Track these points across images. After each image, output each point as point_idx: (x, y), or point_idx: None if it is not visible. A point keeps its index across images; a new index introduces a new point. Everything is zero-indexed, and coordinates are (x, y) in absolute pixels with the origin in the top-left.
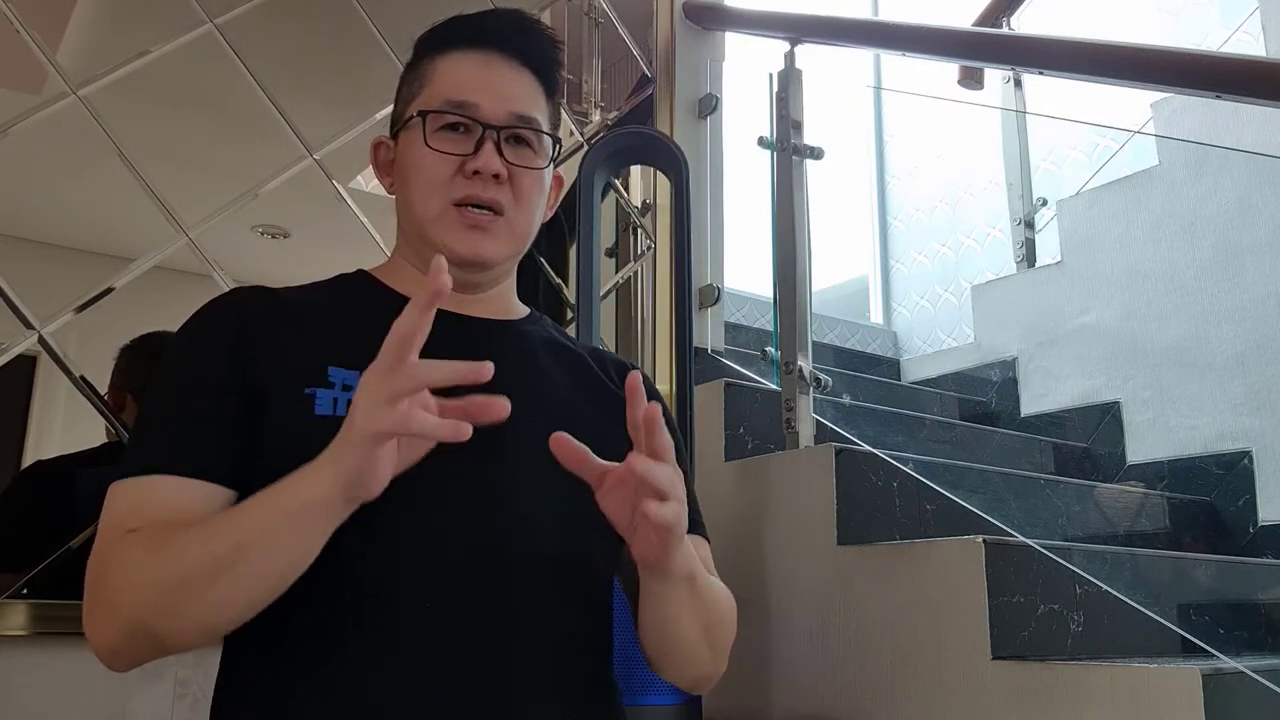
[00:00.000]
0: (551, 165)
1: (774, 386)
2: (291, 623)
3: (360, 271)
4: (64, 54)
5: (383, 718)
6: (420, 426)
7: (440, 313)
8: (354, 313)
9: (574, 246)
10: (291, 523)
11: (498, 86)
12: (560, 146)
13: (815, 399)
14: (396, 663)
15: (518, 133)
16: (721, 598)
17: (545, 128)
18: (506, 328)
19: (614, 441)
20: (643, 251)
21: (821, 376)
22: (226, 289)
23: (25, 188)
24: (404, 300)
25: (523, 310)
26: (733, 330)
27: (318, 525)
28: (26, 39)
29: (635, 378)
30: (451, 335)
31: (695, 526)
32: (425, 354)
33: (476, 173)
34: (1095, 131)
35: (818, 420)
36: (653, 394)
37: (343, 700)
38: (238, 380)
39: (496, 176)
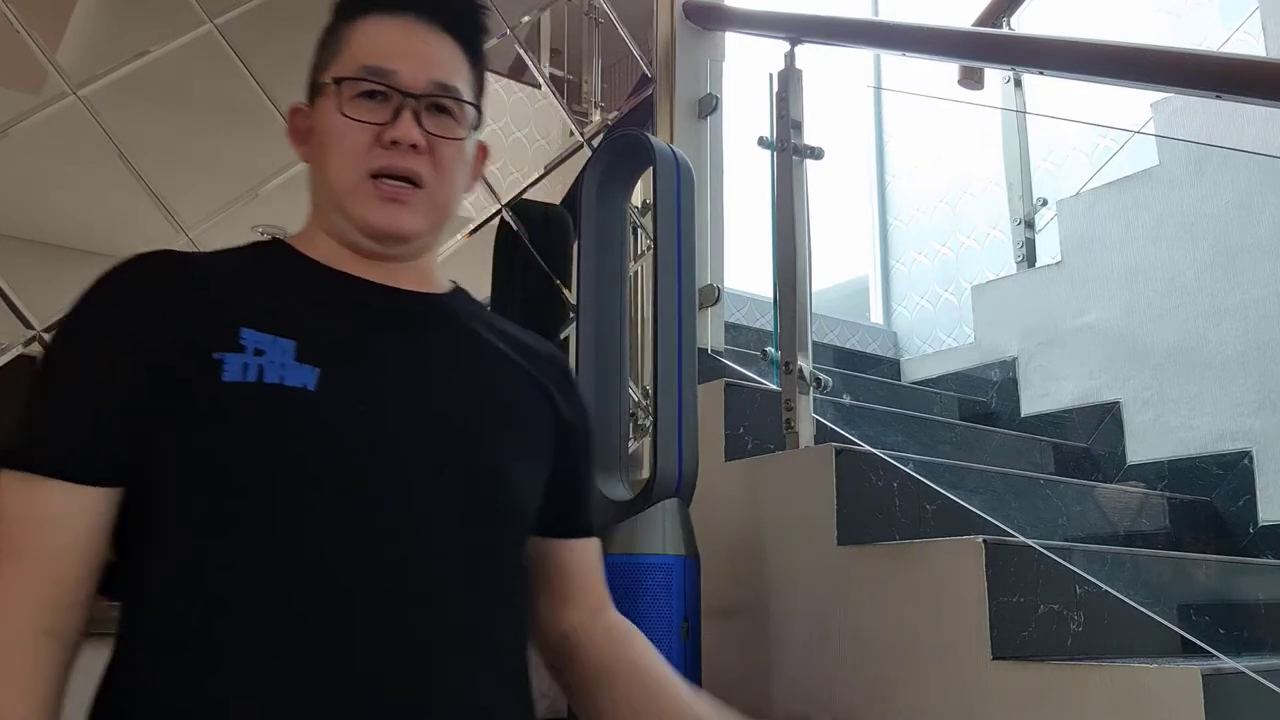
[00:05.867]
0: (474, 134)
1: (774, 386)
2: (206, 614)
3: (276, 239)
4: (64, 54)
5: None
6: None
7: (368, 283)
8: (270, 276)
9: (576, 250)
10: None
11: (418, 53)
12: (483, 116)
13: (815, 399)
14: (313, 642)
15: (438, 101)
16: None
17: (467, 96)
18: (431, 300)
19: (530, 421)
20: (643, 251)
21: (821, 376)
22: None
23: (25, 188)
24: (323, 268)
25: (446, 284)
26: (733, 330)
27: None
28: (26, 39)
29: None
30: (381, 305)
31: (590, 528)
32: (357, 323)
33: (394, 143)
34: (1095, 131)
35: (818, 420)
36: (573, 386)
37: (259, 683)
38: (136, 355)
39: (415, 147)
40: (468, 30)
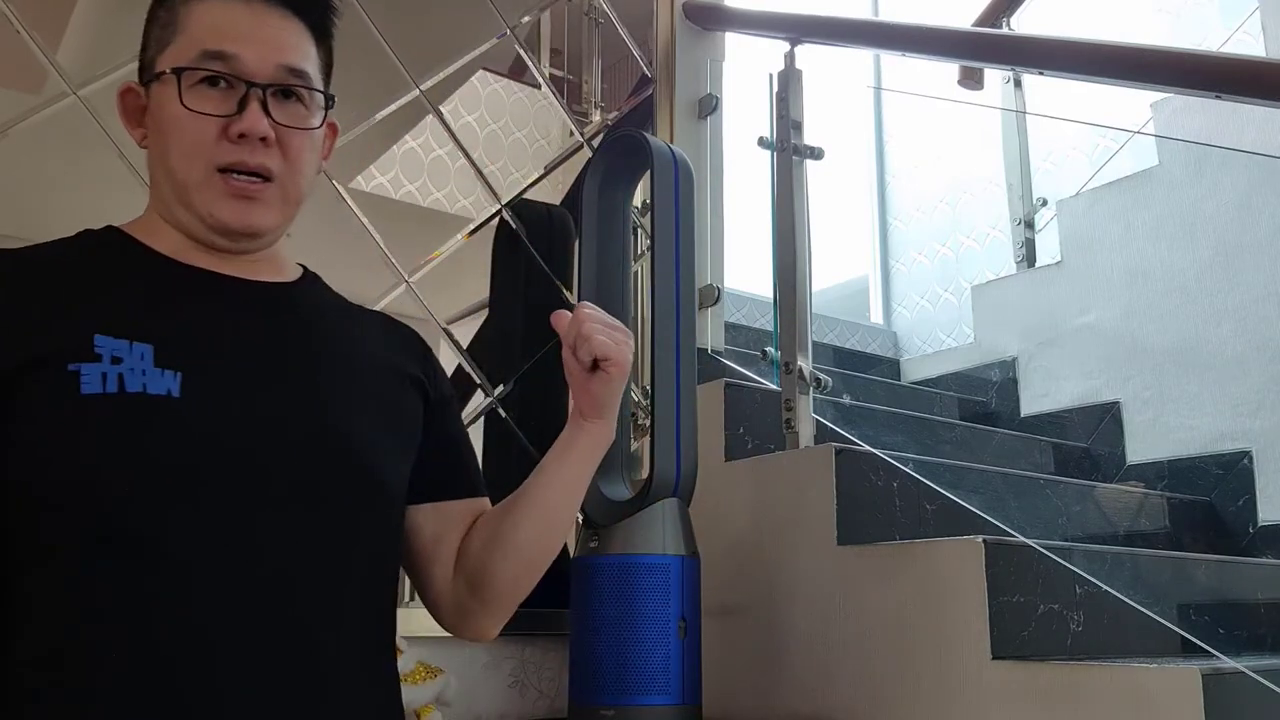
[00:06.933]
0: (324, 121)
1: (774, 386)
2: (83, 630)
3: (110, 228)
4: (64, 54)
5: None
6: None
7: (220, 276)
8: (116, 273)
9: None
10: None
11: (261, 35)
12: (333, 103)
13: (815, 399)
14: (209, 660)
15: (286, 87)
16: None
17: (316, 81)
18: (286, 289)
19: (395, 402)
20: (643, 252)
21: (821, 376)
22: None
23: (25, 188)
24: (170, 262)
25: (296, 269)
26: (733, 330)
27: None
28: (26, 39)
29: (558, 315)
30: (235, 300)
31: (479, 488)
32: (213, 321)
33: (242, 136)
34: (1095, 131)
35: (818, 420)
36: (430, 357)
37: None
38: None
39: (265, 140)
40: (315, 10)
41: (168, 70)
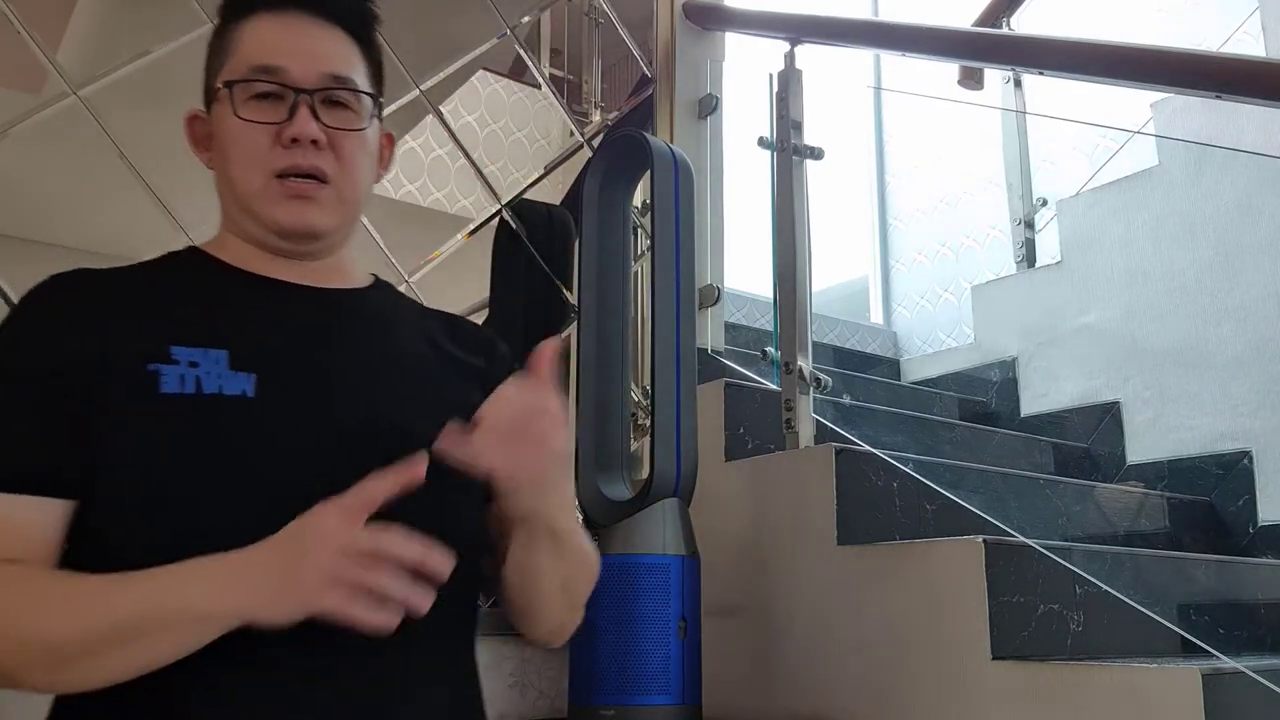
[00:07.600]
0: (377, 124)
1: (774, 386)
2: None
3: (191, 248)
4: (64, 54)
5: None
6: (362, 616)
7: (289, 284)
8: (188, 289)
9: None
10: (175, 626)
11: (305, 47)
12: (382, 105)
13: (815, 399)
14: (275, 651)
15: (333, 94)
16: (585, 553)
17: (363, 85)
18: (353, 295)
19: (464, 407)
20: (643, 252)
21: (821, 376)
22: None
23: (25, 188)
24: (236, 272)
25: (367, 278)
26: (733, 330)
27: (205, 634)
28: (26, 39)
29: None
30: (304, 306)
31: None
32: (284, 327)
33: (295, 140)
34: (1095, 131)
35: (818, 420)
36: (501, 360)
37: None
38: (65, 373)
39: (315, 143)
40: (356, 19)
41: (221, 85)
